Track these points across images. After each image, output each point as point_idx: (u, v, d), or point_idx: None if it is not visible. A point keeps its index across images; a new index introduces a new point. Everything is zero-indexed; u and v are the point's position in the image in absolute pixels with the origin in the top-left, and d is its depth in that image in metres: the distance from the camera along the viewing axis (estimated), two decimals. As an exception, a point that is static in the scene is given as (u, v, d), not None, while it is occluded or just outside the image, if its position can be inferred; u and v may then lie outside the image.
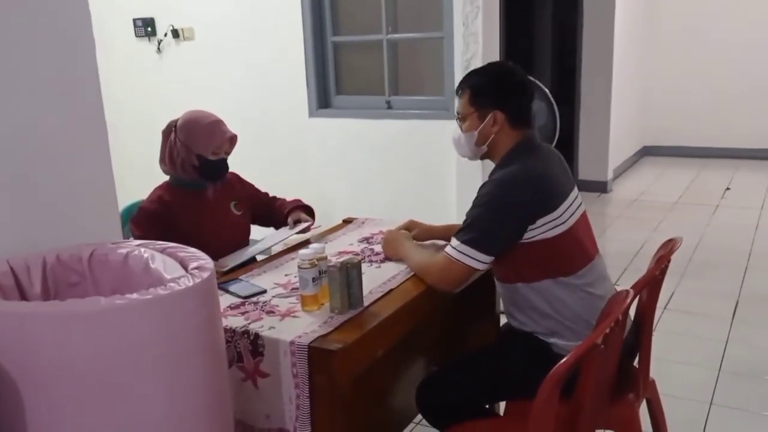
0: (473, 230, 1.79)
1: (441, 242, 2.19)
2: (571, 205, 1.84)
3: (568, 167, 1.97)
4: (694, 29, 7.34)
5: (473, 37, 3.61)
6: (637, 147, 7.63)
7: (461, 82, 1.96)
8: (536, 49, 6.62)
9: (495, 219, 1.79)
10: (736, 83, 7.25)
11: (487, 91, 1.89)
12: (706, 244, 4.61)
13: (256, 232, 2.53)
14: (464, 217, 1.85)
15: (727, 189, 6.13)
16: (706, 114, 7.45)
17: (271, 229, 2.54)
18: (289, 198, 2.61)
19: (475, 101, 1.90)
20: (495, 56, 3.78)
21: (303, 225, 2.40)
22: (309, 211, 2.53)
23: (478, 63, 3.61)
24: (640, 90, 7.44)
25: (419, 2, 4.17)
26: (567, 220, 1.81)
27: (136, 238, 2.18)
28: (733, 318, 3.43)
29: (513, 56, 3.68)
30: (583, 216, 1.92)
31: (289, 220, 2.45)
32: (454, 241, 1.81)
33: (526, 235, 1.78)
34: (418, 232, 2.23)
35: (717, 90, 7.35)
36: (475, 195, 1.85)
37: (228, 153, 2.36)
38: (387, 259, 2.11)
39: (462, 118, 1.94)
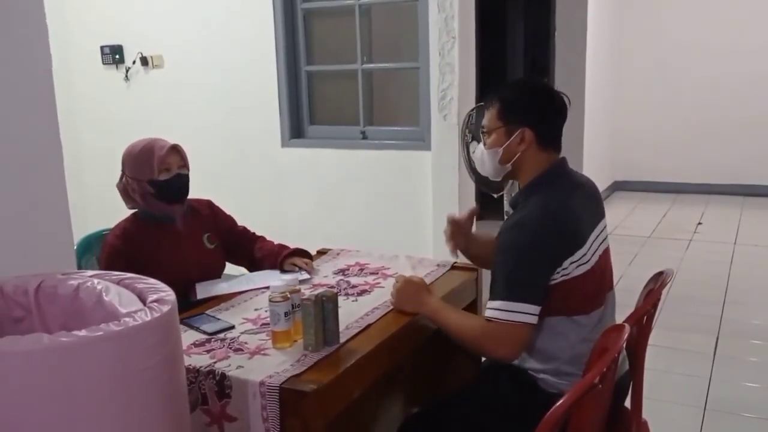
0: (513, 283, 1.64)
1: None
2: (594, 241, 1.74)
3: (599, 196, 1.87)
4: (664, 65, 7.44)
5: (449, 68, 3.57)
6: (609, 182, 7.67)
7: (491, 94, 1.82)
8: (509, 85, 6.65)
9: (530, 266, 1.65)
10: (706, 119, 7.34)
11: (519, 105, 1.77)
12: (683, 278, 4.56)
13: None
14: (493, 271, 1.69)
15: (699, 224, 6.15)
16: (677, 149, 7.52)
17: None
18: (273, 239, 2.42)
19: (504, 115, 1.77)
20: (471, 87, 3.74)
21: (299, 273, 2.18)
22: (304, 255, 2.33)
23: (454, 94, 3.56)
24: (611, 125, 7.51)
25: (395, 32, 4.13)
26: (590, 258, 1.71)
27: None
28: (714, 354, 3.36)
29: (487, 90, 3.64)
30: (606, 252, 1.81)
31: (285, 267, 2.25)
32: (496, 303, 1.65)
33: (552, 277, 1.67)
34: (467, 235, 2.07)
35: (687, 125, 7.44)
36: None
37: (181, 166, 2.22)
38: (365, 293, 1.99)
39: (487, 133, 1.81)
